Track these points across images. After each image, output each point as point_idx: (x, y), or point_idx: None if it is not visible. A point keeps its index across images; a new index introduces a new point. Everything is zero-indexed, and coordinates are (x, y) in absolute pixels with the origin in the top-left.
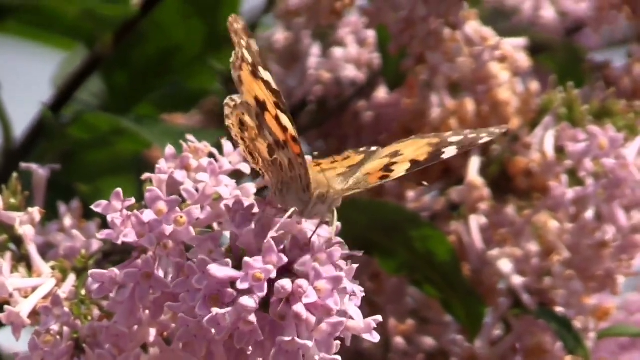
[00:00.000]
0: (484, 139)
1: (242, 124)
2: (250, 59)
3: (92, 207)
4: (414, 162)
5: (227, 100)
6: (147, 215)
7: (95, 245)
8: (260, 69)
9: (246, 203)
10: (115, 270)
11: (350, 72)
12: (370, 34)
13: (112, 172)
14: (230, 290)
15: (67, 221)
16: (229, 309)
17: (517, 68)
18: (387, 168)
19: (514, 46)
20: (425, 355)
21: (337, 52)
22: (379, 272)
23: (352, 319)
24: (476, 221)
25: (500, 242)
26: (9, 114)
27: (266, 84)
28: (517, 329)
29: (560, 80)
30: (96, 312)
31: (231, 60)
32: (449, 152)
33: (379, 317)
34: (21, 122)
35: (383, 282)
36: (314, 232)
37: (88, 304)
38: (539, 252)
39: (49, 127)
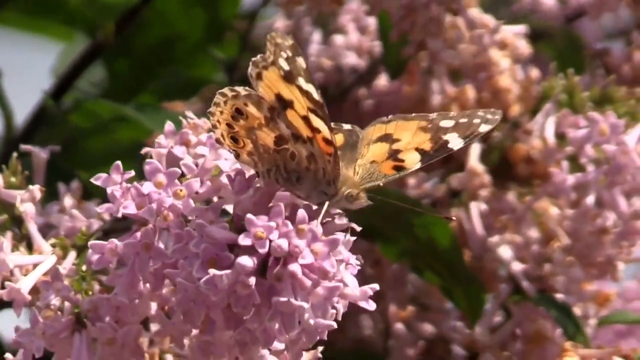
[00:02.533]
0: (483, 127)
1: (238, 112)
2: (287, 68)
3: (92, 179)
4: (422, 152)
5: (224, 90)
6: (147, 187)
7: (96, 225)
8: (302, 80)
9: (247, 174)
10: (115, 242)
11: (351, 59)
12: (371, 22)
13: (112, 159)
14: (228, 253)
15: (67, 201)
16: (227, 270)
17: (517, 55)
18: (395, 157)
19: (515, 33)
20: (426, 341)
21: (338, 39)
22: (380, 258)
23: (347, 286)
24: (477, 208)
25: (500, 228)
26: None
27: (305, 92)
28: (517, 315)
29: (559, 67)
30: (97, 287)
31: (254, 59)
32: (455, 143)
33: (376, 286)
34: (20, 112)
35: (384, 269)
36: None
37: (89, 280)
38: (539, 239)
39: (50, 115)
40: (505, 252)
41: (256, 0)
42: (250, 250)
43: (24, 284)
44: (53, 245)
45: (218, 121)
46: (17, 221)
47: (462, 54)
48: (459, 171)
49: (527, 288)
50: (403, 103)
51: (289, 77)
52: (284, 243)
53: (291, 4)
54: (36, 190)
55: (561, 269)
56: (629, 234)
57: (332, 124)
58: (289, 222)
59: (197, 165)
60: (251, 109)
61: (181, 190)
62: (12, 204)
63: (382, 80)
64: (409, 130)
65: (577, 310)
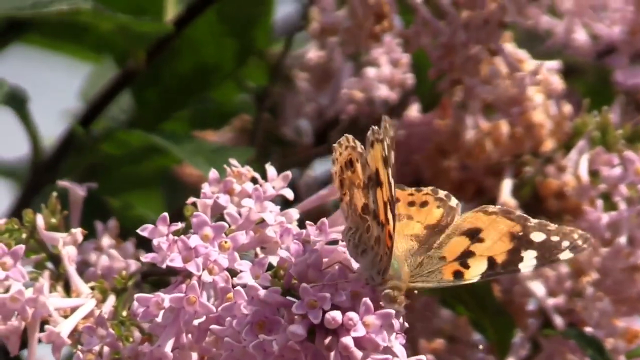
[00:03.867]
0: (565, 254)
1: (350, 164)
2: (386, 154)
3: (138, 231)
4: (491, 263)
5: (348, 136)
6: (194, 241)
7: (133, 265)
8: (390, 171)
9: (294, 230)
10: (160, 295)
11: (383, 92)
12: (404, 55)
13: (139, 186)
14: (278, 317)
15: (105, 241)
16: (276, 335)
17: (550, 90)
18: (464, 260)
19: (548, 69)
20: None
21: (370, 71)
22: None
23: (397, 357)
24: None
25: None
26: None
27: (389, 185)
28: (547, 349)
29: (589, 103)
30: (137, 333)
31: (375, 128)
32: (527, 263)
33: (423, 358)
34: (43, 131)
35: (413, 301)
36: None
37: (128, 325)
38: (569, 273)
39: (79, 142)
40: (536, 286)
41: (287, 28)
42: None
43: (64, 328)
44: (92, 288)
45: (336, 159)
46: (54, 259)
47: (497, 89)
48: (492, 205)
49: (558, 323)
50: (435, 136)
51: (386, 162)
52: (338, 315)
53: (325, 35)
54: (78, 233)
55: (592, 303)
56: None
57: (443, 194)
58: (342, 293)
59: (239, 214)
60: (358, 167)
61: (226, 242)
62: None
63: (413, 112)
64: (498, 232)
65: (607, 345)
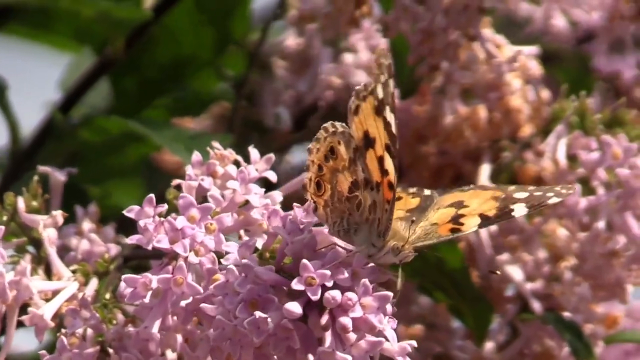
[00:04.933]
0: (553, 199)
1: (331, 152)
2: (381, 96)
3: (125, 212)
4: (484, 217)
5: (326, 125)
6: (181, 222)
7: (113, 249)
8: (388, 109)
9: (281, 212)
10: (148, 276)
11: (361, 78)
12: (382, 41)
13: (119, 175)
14: (272, 296)
15: (86, 225)
16: (271, 313)
17: (529, 76)
18: (456, 220)
19: (527, 54)
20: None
21: (348, 58)
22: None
23: (388, 340)
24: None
25: (510, 249)
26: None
27: (387, 124)
28: (525, 333)
29: (569, 89)
30: (120, 316)
31: (358, 88)
32: (519, 211)
33: (414, 342)
34: (22, 123)
35: (391, 287)
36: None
37: (111, 308)
38: (547, 258)
39: (58, 129)
40: (514, 271)
41: (265, 16)
42: (295, 294)
43: (47, 311)
44: (74, 271)
45: (312, 161)
46: (35, 243)
47: (475, 74)
48: None
49: (536, 308)
50: (414, 122)
51: (379, 109)
52: (337, 295)
53: (303, 22)
54: (59, 216)
55: (570, 288)
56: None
57: (415, 189)
58: (344, 269)
59: (223, 196)
60: (342, 148)
61: (212, 224)
62: (31, 227)
63: None
64: (481, 198)
65: (585, 330)
